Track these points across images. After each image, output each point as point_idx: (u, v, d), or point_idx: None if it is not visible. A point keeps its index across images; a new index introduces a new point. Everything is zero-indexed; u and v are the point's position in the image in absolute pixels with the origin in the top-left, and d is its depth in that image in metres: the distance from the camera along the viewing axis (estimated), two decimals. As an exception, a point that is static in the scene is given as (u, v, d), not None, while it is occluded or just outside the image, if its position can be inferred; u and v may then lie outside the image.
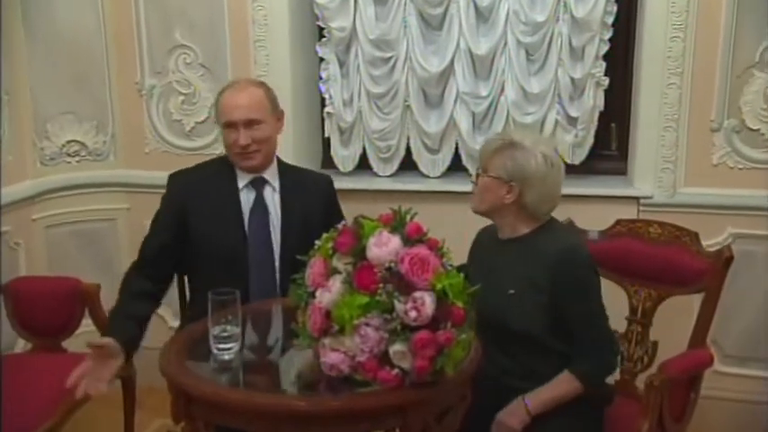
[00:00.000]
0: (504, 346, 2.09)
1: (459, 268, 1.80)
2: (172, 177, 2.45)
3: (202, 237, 2.33)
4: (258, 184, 2.40)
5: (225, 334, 1.89)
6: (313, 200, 2.43)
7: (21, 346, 2.95)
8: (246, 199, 2.39)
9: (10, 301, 2.73)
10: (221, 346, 1.89)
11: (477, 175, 2.14)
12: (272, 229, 2.38)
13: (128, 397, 2.74)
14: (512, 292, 2.06)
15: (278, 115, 2.42)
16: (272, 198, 2.41)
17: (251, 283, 2.31)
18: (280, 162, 2.46)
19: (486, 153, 2.13)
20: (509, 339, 2.08)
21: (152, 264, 2.35)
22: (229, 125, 2.32)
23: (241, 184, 2.39)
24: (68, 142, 3.27)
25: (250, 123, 2.31)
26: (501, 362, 2.10)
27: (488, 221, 2.24)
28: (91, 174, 3.32)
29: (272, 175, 2.42)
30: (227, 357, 1.89)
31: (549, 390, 2.02)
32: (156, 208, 3.23)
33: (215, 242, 2.32)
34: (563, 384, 2.02)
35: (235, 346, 1.90)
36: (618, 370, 2.28)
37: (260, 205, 2.39)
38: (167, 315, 3.35)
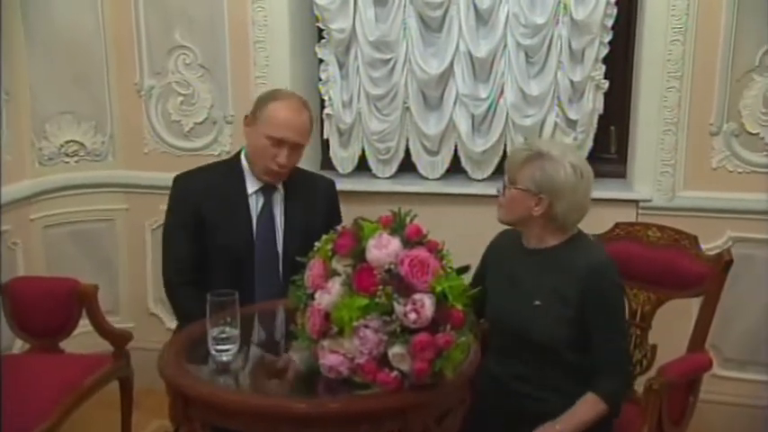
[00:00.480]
0: (520, 353, 2.09)
1: (459, 270, 1.79)
2: (180, 180, 2.44)
3: (212, 240, 2.33)
4: (268, 191, 2.41)
5: (223, 335, 1.88)
6: (316, 204, 2.44)
7: (18, 346, 2.94)
8: (255, 204, 2.39)
9: (8, 302, 2.72)
10: (220, 347, 1.89)
11: (504, 187, 2.10)
12: (276, 232, 2.38)
13: (125, 398, 2.73)
14: (538, 303, 2.04)
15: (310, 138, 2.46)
16: (279, 202, 2.42)
17: (256, 285, 2.32)
18: None
19: (513, 164, 2.09)
20: (527, 348, 2.07)
21: (189, 270, 2.36)
22: (277, 142, 2.32)
23: (251, 189, 2.40)
24: (67, 142, 3.27)
25: (295, 146, 2.34)
26: (515, 367, 2.09)
27: (482, 230, 2.23)
28: (89, 174, 3.31)
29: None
30: (225, 359, 1.89)
31: (578, 415, 1.98)
32: (155, 208, 3.28)
33: (223, 246, 2.33)
34: (590, 407, 1.99)
35: (233, 347, 1.90)
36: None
37: (268, 211, 2.40)
38: (165, 316, 3.35)
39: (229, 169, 2.44)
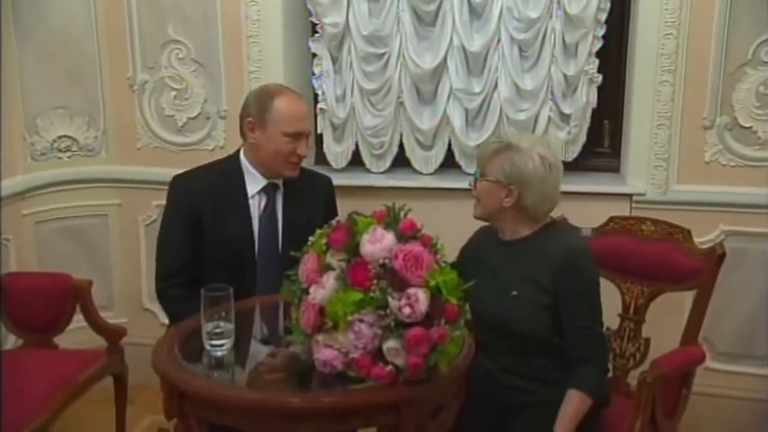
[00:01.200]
0: (504, 344, 2.09)
1: (453, 265, 1.80)
2: (178, 181, 2.42)
3: (211, 241, 2.32)
4: (271, 191, 2.41)
5: (218, 330, 1.88)
6: (315, 202, 2.44)
7: (12, 342, 2.93)
8: (256, 204, 2.39)
9: (0, 297, 2.72)
10: (214, 342, 1.88)
11: (476, 181, 2.12)
12: (278, 232, 2.38)
13: (119, 393, 2.73)
14: (514, 293, 2.06)
15: None
16: (279, 201, 2.42)
17: (258, 285, 2.32)
18: None
19: (483, 157, 2.12)
20: (510, 339, 2.08)
21: (180, 272, 2.34)
22: (295, 135, 2.33)
23: (252, 190, 2.39)
24: (59, 137, 3.25)
25: (309, 135, 2.41)
26: (501, 360, 2.10)
27: (477, 225, 2.23)
28: (82, 169, 3.30)
29: (280, 179, 2.44)
30: (219, 353, 1.89)
31: (569, 415, 1.98)
32: (149, 203, 3.28)
33: (223, 247, 2.32)
34: (578, 404, 1.99)
35: (228, 342, 1.89)
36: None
37: (270, 211, 2.39)
38: (160, 312, 3.34)
39: (228, 169, 2.42)
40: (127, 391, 2.74)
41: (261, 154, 2.37)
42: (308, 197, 2.45)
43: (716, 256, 2.28)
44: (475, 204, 2.14)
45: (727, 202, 2.87)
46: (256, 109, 2.35)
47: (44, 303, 2.70)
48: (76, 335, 2.83)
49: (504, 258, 2.13)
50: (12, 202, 3.07)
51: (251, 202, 2.38)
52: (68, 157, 3.28)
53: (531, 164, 2.04)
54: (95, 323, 2.72)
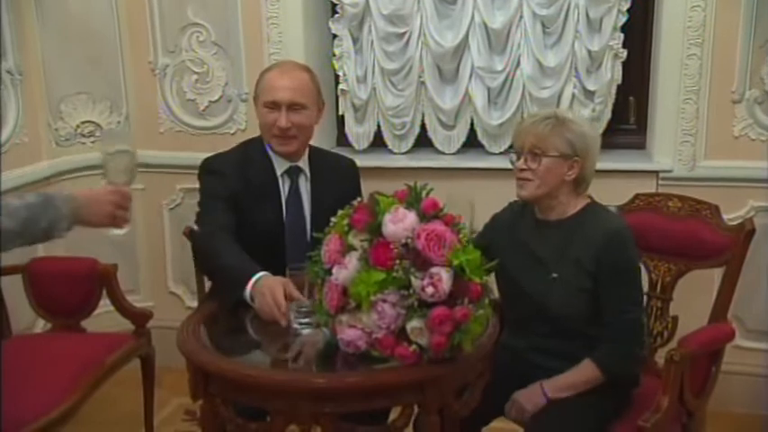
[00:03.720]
0: (537, 326, 2.08)
1: (476, 240, 1.78)
2: (210, 161, 2.41)
3: (245, 222, 2.29)
4: (294, 174, 2.40)
5: (304, 309, 1.90)
6: (341, 186, 2.41)
7: (41, 326, 2.97)
8: (283, 186, 2.38)
9: (28, 282, 2.75)
10: (302, 320, 1.91)
11: (532, 159, 2.04)
12: (305, 216, 2.37)
13: (147, 376, 2.75)
14: (555, 275, 2.04)
15: (320, 105, 2.42)
16: (305, 186, 2.41)
17: (288, 269, 2.31)
18: (309, 147, 2.45)
19: (541, 135, 2.04)
20: (545, 321, 2.07)
21: (226, 229, 2.23)
22: (271, 105, 2.31)
23: (279, 170, 2.38)
24: (83, 123, 3.27)
25: (293, 106, 2.31)
26: (531, 339, 2.09)
27: (500, 204, 2.23)
28: (106, 154, 3.31)
29: (304, 162, 2.42)
30: (306, 331, 1.90)
31: (568, 376, 2.01)
32: (172, 188, 3.29)
33: (257, 228, 2.29)
34: (583, 371, 2.00)
35: (313, 320, 1.89)
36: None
37: (295, 194, 2.39)
38: (185, 295, 3.38)
39: (254, 151, 2.41)
40: (154, 374, 2.77)
41: (260, 130, 2.39)
42: (334, 181, 2.43)
43: (745, 232, 2.24)
44: (522, 185, 2.07)
45: (756, 177, 2.81)
46: (255, 85, 2.40)
47: (71, 288, 2.73)
48: (103, 319, 2.86)
49: (544, 240, 2.10)
50: (37, 188, 3.09)
51: (280, 181, 2.38)
52: (92, 142, 3.30)
53: (588, 130, 2.09)
54: (122, 307, 2.75)
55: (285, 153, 2.37)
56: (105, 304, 2.79)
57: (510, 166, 2.13)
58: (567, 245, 2.05)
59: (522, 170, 2.06)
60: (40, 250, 3.08)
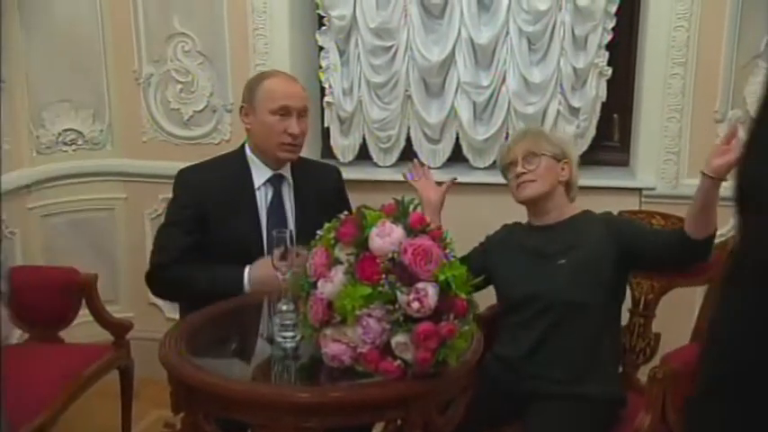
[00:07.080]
0: (539, 323, 2.11)
1: (462, 260, 1.78)
2: (185, 174, 2.39)
3: (218, 236, 2.28)
4: (277, 182, 2.38)
5: (288, 321, 1.86)
6: (325, 193, 2.41)
7: (17, 336, 2.92)
8: (264, 196, 2.36)
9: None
10: (285, 333, 1.87)
11: (532, 159, 2.18)
12: (288, 224, 2.35)
13: (125, 388, 2.71)
14: (562, 261, 2.13)
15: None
16: (288, 194, 2.39)
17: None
18: None
19: (530, 142, 2.22)
20: (549, 314, 2.10)
21: (179, 261, 2.29)
22: (283, 111, 2.29)
23: (258, 182, 2.36)
24: (65, 131, 3.24)
25: (303, 113, 2.32)
26: (530, 340, 2.11)
27: (492, 226, 2.28)
28: (87, 163, 3.28)
29: (286, 170, 2.41)
30: (289, 345, 1.87)
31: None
32: (155, 197, 3.26)
33: (231, 242, 2.27)
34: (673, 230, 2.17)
35: (297, 333, 1.86)
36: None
37: (278, 203, 2.37)
38: (165, 306, 3.34)
39: (234, 162, 2.39)
40: (133, 386, 2.73)
41: (257, 140, 2.36)
42: (317, 189, 2.42)
43: (727, 251, 2.25)
44: (525, 186, 2.18)
45: (738, 196, 2.83)
46: (248, 93, 2.36)
47: (50, 297, 2.69)
48: (82, 329, 2.82)
49: (545, 239, 2.19)
50: (17, 196, 3.06)
51: (258, 194, 2.36)
52: (74, 150, 3.26)
53: (564, 136, 2.34)
54: (101, 317, 2.71)
55: (288, 161, 2.37)
56: (84, 314, 2.75)
57: (496, 181, 2.17)
58: (565, 238, 2.15)
59: (522, 174, 2.18)
60: (19, 259, 3.04)
